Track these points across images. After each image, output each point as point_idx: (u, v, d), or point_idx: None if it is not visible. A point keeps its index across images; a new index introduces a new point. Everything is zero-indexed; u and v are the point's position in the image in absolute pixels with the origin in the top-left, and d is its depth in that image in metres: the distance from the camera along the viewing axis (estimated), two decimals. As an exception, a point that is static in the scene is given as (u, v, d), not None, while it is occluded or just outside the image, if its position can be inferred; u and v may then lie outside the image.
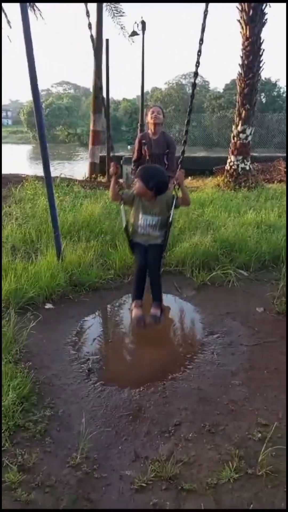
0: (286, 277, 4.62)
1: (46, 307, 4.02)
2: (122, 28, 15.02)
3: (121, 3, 14.56)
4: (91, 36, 2.74)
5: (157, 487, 2.13)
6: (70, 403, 2.76)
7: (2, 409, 2.49)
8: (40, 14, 14.01)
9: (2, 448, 2.29)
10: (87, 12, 2.81)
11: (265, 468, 2.20)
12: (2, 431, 2.38)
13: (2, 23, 13.69)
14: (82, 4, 2.88)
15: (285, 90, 38.03)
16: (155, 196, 3.34)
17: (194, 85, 2.61)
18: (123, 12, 14.73)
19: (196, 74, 2.58)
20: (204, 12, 2.52)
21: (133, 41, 15.34)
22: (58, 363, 3.19)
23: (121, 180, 4.68)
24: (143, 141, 4.88)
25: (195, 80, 2.59)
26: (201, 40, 2.54)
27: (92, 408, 2.71)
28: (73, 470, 2.21)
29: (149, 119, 4.79)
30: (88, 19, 2.79)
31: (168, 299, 4.46)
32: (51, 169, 4.60)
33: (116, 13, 14.61)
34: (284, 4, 10.25)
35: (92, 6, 12.71)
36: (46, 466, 2.22)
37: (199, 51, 2.52)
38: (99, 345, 3.55)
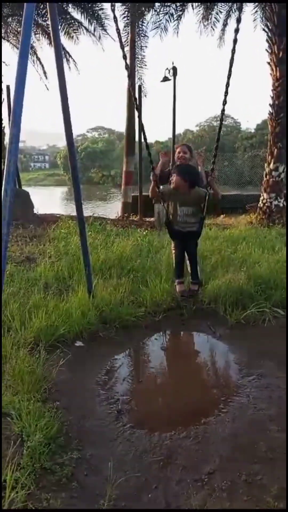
0: (287, 318, 4.44)
1: (76, 344, 3.98)
2: (140, 79, 15.46)
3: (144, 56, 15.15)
4: (126, 65, 2.77)
5: None
6: (98, 446, 2.65)
7: (29, 450, 2.41)
8: (75, 65, 14.84)
9: (28, 491, 2.19)
10: (124, 56, 2.90)
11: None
12: (27, 473, 2.28)
13: (40, 74, 14.59)
14: (116, 51, 3.01)
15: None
16: (189, 188, 4.02)
17: (223, 108, 2.59)
18: (145, 65, 15.40)
19: (225, 101, 2.60)
20: (232, 53, 2.57)
21: (145, 96, 15.54)
22: (87, 403, 3.11)
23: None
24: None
25: (224, 104, 2.59)
26: (228, 84, 2.58)
27: (121, 452, 2.59)
28: (100, 519, 2.08)
29: (176, 157, 5.05)
30: (126, 60, 2.84)
31: (200, 338, 4.34)
32: (85, 209, 4.69)
33: (139, 64, 15.20)
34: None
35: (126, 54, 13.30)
36: (72, 514, 2.11)
37: (226, 92, 2.56)
38: (129, 385, 3.44)
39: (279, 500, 2.18)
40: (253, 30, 11.96)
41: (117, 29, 3.33)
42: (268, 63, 10.97)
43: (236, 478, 2.37)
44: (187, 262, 4.51)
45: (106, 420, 2.91)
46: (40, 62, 14.62)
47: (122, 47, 3.43)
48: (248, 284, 5.03)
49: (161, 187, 4.23)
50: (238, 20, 2.78)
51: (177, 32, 13.25)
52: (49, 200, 27.57)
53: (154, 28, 13.08)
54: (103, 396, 3.21)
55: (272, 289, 5.01)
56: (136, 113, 13.67)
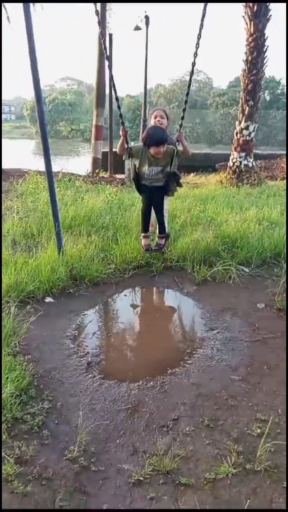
0: (287, 273, 4.59)
1: (46, 300, 4.01)
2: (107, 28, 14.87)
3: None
4: (100, 32, 2.68)
5: (155, 481, 2.12)
6: (69, 396, 2.75)
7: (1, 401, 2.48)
8: (41, 8, 13.96)
9: None
10: (96, 11, 2.78)
11: (263, 464, 2.18)
12: None
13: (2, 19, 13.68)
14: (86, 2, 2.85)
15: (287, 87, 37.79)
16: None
17: (193, 67, 2.56)
18: (114, 13, 14.87)
19: (195, 55, 2.56)
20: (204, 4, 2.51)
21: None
22: (57, 357, 3.18)
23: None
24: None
25: (194, 62, 2.55)
26: (201, 25, 2.52)
27: (91, 402, 2.70)
28: (70, 463, 2.20)
29: (152, 122, 4.68)
30: (98, 17, 2.74)
31: (168, 295, 4.45)
32: (54, 164, 4.58)
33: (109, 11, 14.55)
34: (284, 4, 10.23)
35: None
36: (43, 459, 2.21)
37: (199, 34, 2.51)
38: (99, 339, 3.53)
39: (238, 443, 2.35)
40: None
41: None
42: (243, 16, 10.66)
43: (199, 423, 2.53)
44: (155, 216, 4.59)
45: (76, 372, 3.00)
46: (4, 6, 13.67)
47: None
48: (216, 242, 5.15)
49: (131, 144, 4.19)
50: None
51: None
52: (15, 153, 26.63)
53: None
54: (73, 350, 3.29)
55: (238, 248, 5.14)
56: (107, 64, 13.18)
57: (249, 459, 2.24)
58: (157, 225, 4.56)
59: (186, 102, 3.90)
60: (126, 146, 4.15)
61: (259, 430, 2.44)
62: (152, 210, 4.56)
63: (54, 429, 2.44)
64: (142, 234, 4.55)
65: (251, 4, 10.31)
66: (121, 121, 4.12)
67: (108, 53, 2.84)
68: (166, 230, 4.66)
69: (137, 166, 4.19)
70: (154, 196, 4.36)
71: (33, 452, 2.24)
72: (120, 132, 4.12)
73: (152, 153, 4.01)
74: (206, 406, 2.69)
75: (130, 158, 4.24)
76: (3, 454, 2.19)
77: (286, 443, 2.33)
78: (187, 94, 3.91)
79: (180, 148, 4.12)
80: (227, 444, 2.36)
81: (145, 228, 4.54)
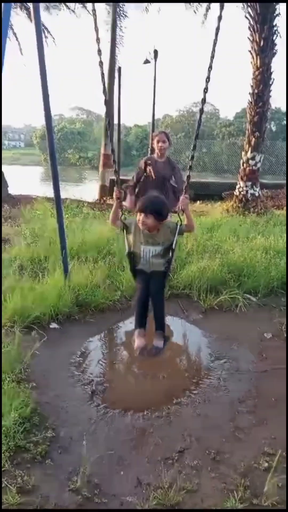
0: (287, 302, 4.57)
1: (52, 326, 4.00)
2: (117, 60, 15.42)
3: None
4: (98, 50, 2.74)
5: (159, 515, 2.06)
6: (72, 425, 2.70)
7: (3, 429, 2.45)
8: (53, 41, 14.56)
9: (2, 469, 2.24)
10: (95, 26, 2.80)
11: (270, 499, 2.12)
12: (2, 451, 2.33)
13: (15, 50, 14.24)
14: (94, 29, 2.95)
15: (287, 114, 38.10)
16: (158, 224, 3.18)
17: (201, 111, 2.63)
18: (123, 46, 15.42)
19: (204, 100, 2.60)
20: (214, 40, 2.58)
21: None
22: (62, 384, 3.15)
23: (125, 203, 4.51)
24: (149, 161, 4.98)
25: (202, 106, 2.61)
26: (210, 67, 2.58)
27: (95, 431, 2.66)
28: (73, 494, 2.15)
29: (155, 146, 4.96)
30: (97, 34, 2.78)
31: (174, 322, 4.42)
32: (62, 190, 4.64)
33: (118, 45, 15.11)
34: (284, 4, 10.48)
35: (107, 34, 13.27)
36: (46, 489, 2.17)
37: (208, 77, 2.56)
38: (104, 367, 3.50)
39: (245, 477, 2.29)
40: (236, 16, 11.93)
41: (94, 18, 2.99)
42: (250, 51, 10.98)
43: (205, 456, 2.47)
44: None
45: (81, 401, 2.96)
46: (17, 38, 14.23)
47: (96, 29, 2.94)
48: (222, 271, 5.13)
49: (125, 217, 3.44)
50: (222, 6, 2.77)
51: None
52: (24, 180, 27.03)
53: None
54: (77, 377, 3.26)
55: (245, 276, 5.13)
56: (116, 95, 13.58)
57: (256, 494, 2.18)
58: (154, 320, 3.25)
59: (195, 146, 3.17)
60: (119, 215, 3.39)
61: (266, 464, 2.38)
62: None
63: (57, 459, 2.40)
64: (137, 331, 3.15)
65: (257, 39, 10.61)
66: (115, 178, 3.28)
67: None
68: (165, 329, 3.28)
69: (131, 243, 3.36)
70: (151, 284, 3.25)
71: (36, 482, 2.19)
72: (114, 195, 3.43)
73: (139, 221, 3.18)
74: (212, 438, 2.63)
75: (124, 234, 3.41)
76: (5, 483, 2.15)
77: (286, 453, 2.27)
78: (196, 136, 3.14)
79: (183, 223, 3.26)
80: (233, 478, 2.30)
81: (141, 322, 3.19)
